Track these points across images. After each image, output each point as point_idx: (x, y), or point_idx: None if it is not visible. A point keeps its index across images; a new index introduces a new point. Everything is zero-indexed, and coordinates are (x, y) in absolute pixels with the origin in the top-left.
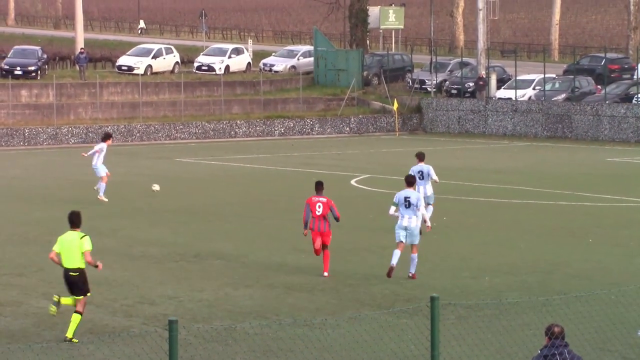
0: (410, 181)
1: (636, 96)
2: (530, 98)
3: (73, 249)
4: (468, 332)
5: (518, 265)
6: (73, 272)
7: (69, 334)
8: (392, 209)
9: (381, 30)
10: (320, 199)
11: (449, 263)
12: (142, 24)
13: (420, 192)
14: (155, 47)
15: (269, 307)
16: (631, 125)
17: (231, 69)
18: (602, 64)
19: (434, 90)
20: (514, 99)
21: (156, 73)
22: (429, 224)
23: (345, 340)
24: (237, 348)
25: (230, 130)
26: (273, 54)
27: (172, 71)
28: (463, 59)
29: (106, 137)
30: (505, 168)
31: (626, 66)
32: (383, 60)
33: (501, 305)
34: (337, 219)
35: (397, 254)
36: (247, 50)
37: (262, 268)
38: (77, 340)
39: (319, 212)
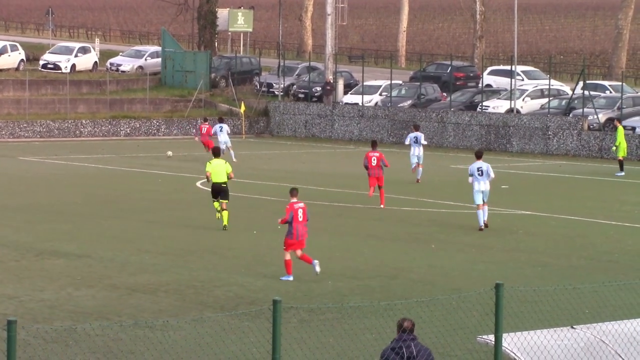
0: (479, 155)
1: (480, 104)
2: (376, 104)
3: (221, 170)
4: (310, 336)
5: (361, 269)
6: (223, 184)
7: (225, 223)
8: (470, 179)
9: (230, 33)
10: (375, 153)
11: (293, 267)
12: None
13: (416, 152)
14: (0, 43)
15: (111, 308)
16: (475, 132)
17: (77, 68)
18: (448, 71)
19: (282, 94)
20: (360, 104)
21: (0, 70)
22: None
23: (187, 342)
24: (77, 349)
25: (76, 129)
26: (120, 53)
27: (17, 68)
28: (311, 63)
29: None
30: (350, 173)
31: (471, 74)
32: (231, 62)
33: (343, 309)
34: (385, 166)
35: (480, 213)
36: (94, 49)
37: (105, 268)
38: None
39: (374, 163)
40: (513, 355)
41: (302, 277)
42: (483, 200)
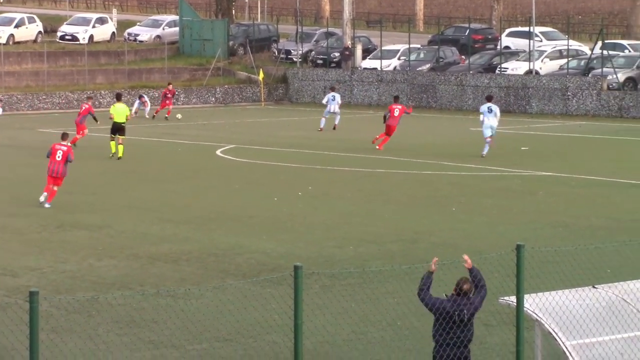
0: (489, 98)
1: (499, 66)
2: (395, 68)
3: (122, 112)
4: (332, 301)
5: (382, 234)
6: (122, 123)
7: (120, 155)
8: (481, 116)
9: (247, 0)
10: (398, 106)
11: (314, 233)
12: None
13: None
14: (18, 16)
15: (134, 278)
16: (494, 95)
17: (95, 39)
18: (466, 34)
19: (300, 60)
20: (379, 69)
21: (18, 42)
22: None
23: (209, 310)
24: (99, 319)
25: (95, 100)
26: (138, 23)
27: (35, 40)
28: (329, 29)
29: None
30: (370, 138)
31: (490, 37)
32: (249, 30)
33: (365, 274)
34: (408, 112)
35: (487, 146)
36: (112, 19)
37: (126, 238)
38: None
39: (396, 113)
40: (535, 315)
41: (323, 242)
42: (491, 135)
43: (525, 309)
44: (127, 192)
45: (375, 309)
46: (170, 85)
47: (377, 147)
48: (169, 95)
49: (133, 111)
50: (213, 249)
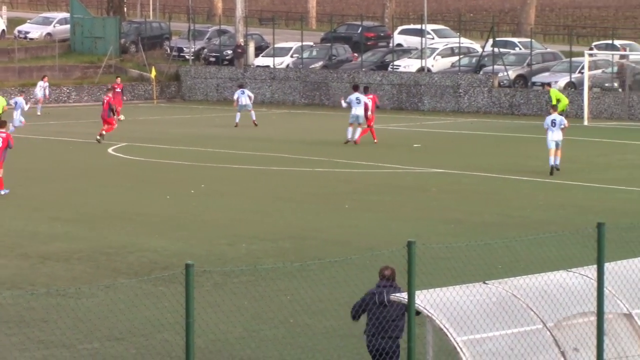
0: (356, 87)
1: (392, 64)
2: (288, 66)
3: None
4: (224, 299)
5: (275, 231)
6: None
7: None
8: (344, 104)
9: None
10: (368, 96)
11: (206, 231)
12: None
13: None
14: None
15: (24, 277)
16: (387, 92)
17: None
18: (359, 32)
19: (192, 58)
20: (272, 66)
21: None
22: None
23: (100, 309)
24: None
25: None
26: (28, 21)
27: None
28: (221, 26)
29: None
30: (262, 136)
31: (382, 34)
32: (141, 27)
33: (257, 272)
34: (369, 110)
35: (350, 130)
36: (1, 17)
37: (16, 237)
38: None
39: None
40: (426, 312)
41: (215, 240)
42: (358, 122)
43: (416, 305)
44: (17, 190)
45: (267, 307)
46: (119, 79)
47: (355, 141)
48: (118, 91)
49: (39, 95)
50: (104, 248)
